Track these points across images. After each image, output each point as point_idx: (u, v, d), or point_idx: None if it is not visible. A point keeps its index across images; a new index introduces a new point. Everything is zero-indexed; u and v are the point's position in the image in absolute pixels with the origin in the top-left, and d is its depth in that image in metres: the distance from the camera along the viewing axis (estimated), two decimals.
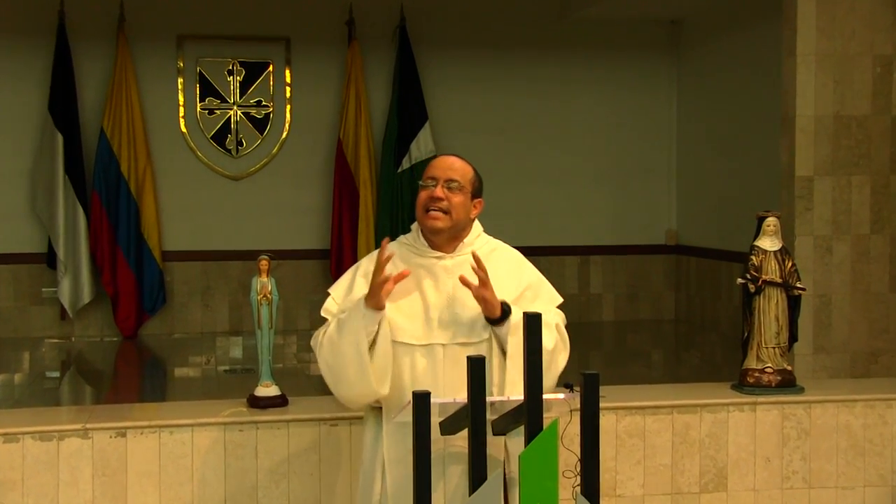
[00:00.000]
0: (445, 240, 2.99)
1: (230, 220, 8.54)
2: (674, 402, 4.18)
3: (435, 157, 3.10)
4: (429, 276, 2.96)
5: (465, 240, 3.02)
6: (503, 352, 2.88)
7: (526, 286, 3.01)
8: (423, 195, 2.97)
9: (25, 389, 6.42)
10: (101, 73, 8.22)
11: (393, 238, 3.05)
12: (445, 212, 2.94)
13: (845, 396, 4.31)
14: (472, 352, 2.86)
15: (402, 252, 3.01)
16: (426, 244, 3.01)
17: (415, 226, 3.07)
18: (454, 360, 2.86)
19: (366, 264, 3.04)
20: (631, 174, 9.13)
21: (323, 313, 3.04)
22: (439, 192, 2.94)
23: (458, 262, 2.98)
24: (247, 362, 7.30)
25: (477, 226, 3.07)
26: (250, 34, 8.53)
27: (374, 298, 2.84)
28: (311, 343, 3.04)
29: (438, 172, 2.97)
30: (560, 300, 3.10)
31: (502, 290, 2.91)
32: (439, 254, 2.99)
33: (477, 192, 3.03)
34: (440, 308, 2.93)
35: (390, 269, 2.85)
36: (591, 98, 9.05)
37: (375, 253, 2.98)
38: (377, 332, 2.86)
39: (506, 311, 2.88)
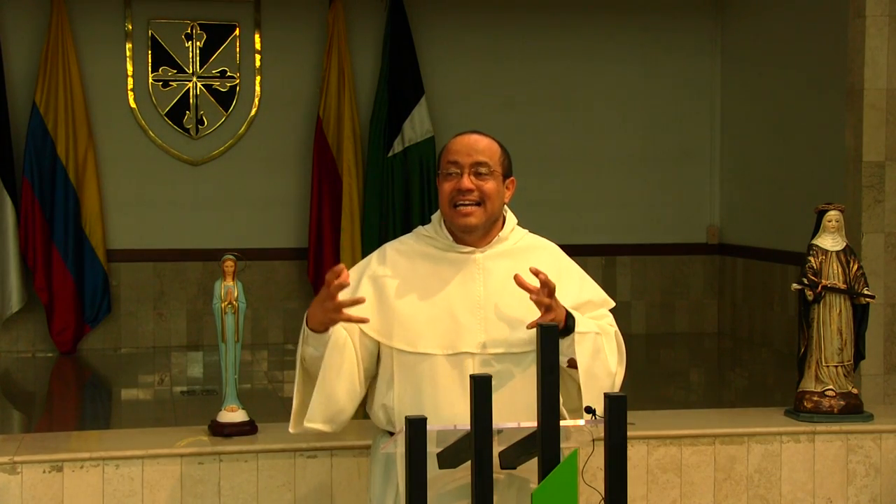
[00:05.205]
0: (479, 236, 2.99)
1: (188, 213, 8.54)
2: (716, 430, 4.17)
3: (457, 135, 3.03)
4: (456, 274, 2.96)
5: (501, 233, 3.02)
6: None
7: (566, 284, 2.97)
8: (446, 187, 2.94)
9: None
10: (33, 36, 8.20)
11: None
12: (478, 203, 2.93)
13: None
14: (511, 363, 2.87)
15: (421, 247, 3.02)
16: (450, 238, 3.00)
17: (436, 216, 3.06)
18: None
19: (375, 263, 3.03)
20: (666, 158, 9.13)
21: None
22: (467, 182, 2.92)
23: (490, 257, 2.98)
24: (208, 382, 7.31)
25: (511, 217, 3.07)
26: None
27: (315, 319, 2.86)
28: None
29: (461, 157, 2.94)
30: (612, 304, 3.10)
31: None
32: (468, 248, 2.99)
33: (508, 171, 3.01)
34: (470, 311, 2.92)
35: (347, 295, 2.83)
36: (619, 67, 9.04)
37: (388, 247, 3.01)
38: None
39: (569, 322, 2.86)
